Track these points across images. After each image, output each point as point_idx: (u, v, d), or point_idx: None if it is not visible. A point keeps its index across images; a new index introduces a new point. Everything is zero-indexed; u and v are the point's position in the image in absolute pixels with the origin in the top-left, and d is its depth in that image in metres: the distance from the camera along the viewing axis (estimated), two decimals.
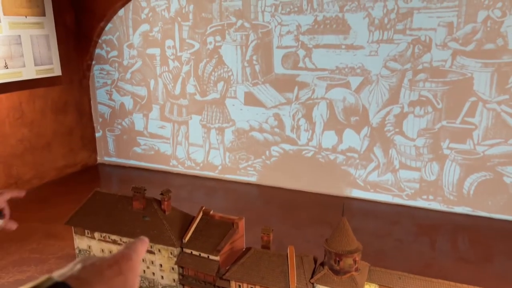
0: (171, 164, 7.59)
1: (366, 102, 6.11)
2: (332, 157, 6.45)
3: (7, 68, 6.01)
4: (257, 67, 6.61)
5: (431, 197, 6.05)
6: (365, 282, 2.72)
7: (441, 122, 5.78)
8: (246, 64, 6.69)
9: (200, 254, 3.08)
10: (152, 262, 3.25)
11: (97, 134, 8.04)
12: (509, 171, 5.62)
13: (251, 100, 6.75)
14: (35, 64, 6.45)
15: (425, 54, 5.76)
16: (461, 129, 5.73)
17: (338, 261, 2.63)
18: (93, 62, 7.70)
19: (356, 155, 6.31)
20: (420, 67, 5.79)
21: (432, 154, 5.88)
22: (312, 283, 2.72)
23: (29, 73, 6.38)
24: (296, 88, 6.42)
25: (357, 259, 2.66)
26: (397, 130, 6.01)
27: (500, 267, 4.73)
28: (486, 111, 5.60)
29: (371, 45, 5.98)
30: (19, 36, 6.21)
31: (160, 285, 3.23)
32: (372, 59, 6.00)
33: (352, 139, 6.28)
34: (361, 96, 6.11)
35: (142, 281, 3.36)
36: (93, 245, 3.46)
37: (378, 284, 2.75)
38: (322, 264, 2.80)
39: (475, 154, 5.74)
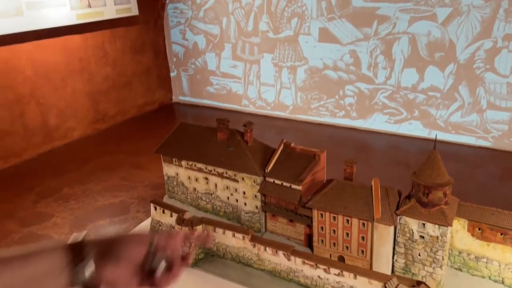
0: (242, 103, 7.68)
1: (453, 36, 5.62)
2: (411, 96, 6.13)
3: (90, 7, 6.25)
4: (333, 1, 6.28)
5: None
6: (455, 216, 2.65)
7: None
8: None
9: (282, 183, 3.16)
10: (236, 190, 3.40)
11: (171, 74, 8.28)
12: None
13: (325, 36, 6.49)
14: (115, 4, 6.65)
15: None
16: None
17: (427, 193, 2.56)
18: (167, 1, 7.77)
19: (438, 94, 5.93)
20: None
21: None
22: (397, 215, 2.70)
23: (110, 12, 6.60)
24: (376, 22, 6.04)
25: (447, 192, 2.57)
26: (487, 66, 5.51)
27: None
28: None
29: None
30: None
31: (243, 211, 3.40)
32: None
33: (435, 77, 5.88)
34: (449, 30, 5.62)
35: (226, 207, 3.55)
36: (180, 172, 3.69)
37: (468, 219, 2.66)
38: (408, 197, 2.75)
39: None
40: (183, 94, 8.35)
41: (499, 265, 2.69)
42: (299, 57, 6.87)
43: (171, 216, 3.24)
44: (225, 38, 7.45)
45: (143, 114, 7.82)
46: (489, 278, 2.74)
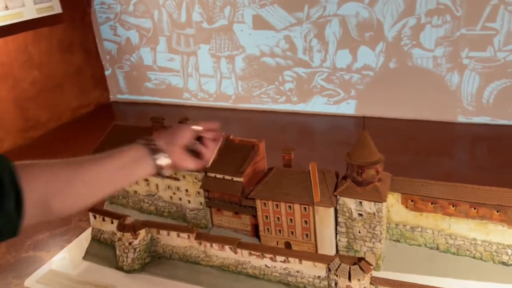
0: (184, 97, 7.55)
1: (380, 15, 5.82)
2: (347, 77, 6.30)
3: (7, 9, 5.82)
4: None
5: (449, 109, 5.95)
6: (388, 192, 2.76)
7: (460, 30, 5.51)
8: None
9: (224, 177, 3.14)
10: (178, 188, 3.33)
11: (106, 72, 7.95)
12: None
13: (259, 23, 6.49)
14: (35, 3, 6.23)
15: None
16: (482, 35, 5.47)
17: (361, 172, 2.65)
18: None
19: (372, 73, 6.15)
20: None
21: (450, 64, 5.68)
22: (336, 196, 2.77)
23: (30, 12, 6.19)
24: (306, 6, 6.11)
25: (379, 169, 2.67)
26: (414, 42, 5.77)
27: None
28: (508, 14, 5.29)
29: None
30: None
31: (188, 209, 3.34)
32: None
33: (367, 56, 6.08)
34: (375, 9, 5.80)
35: (170, 207, 3.48)
36: None
37: (401, 193, 2.79)
38: (344, 178, 2.83)
39: (495, 61, 5.53)
40: (120, 92, 8.06)
41: (433, 233, 2.85)
42: (235, 46, 6.83)
43: (112, 223, 3.13)
44: (158, 32, 7.24)
45: (79, 117, 7.48)
46: (425, 245, 2.90)
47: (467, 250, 2.84)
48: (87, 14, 7.50)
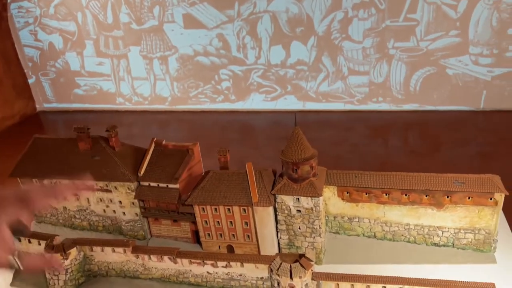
0: (117, 101, 7.23)
1: (309, 10, 5.90)
2: (282, 72, 6.35)
3: None
4: None
5: (380, 99, 6.20)
6: (324, 186, 2.79)
7: (385, 22, 5.74)
8: None
9: (158, 185, 3.02)
10: (111, 200, 3.16)
11: (30, 80, 7.42)
12: (452, 62, 5.79)
13: (191, 22, 6.35)
14: None
15: None
16: (405, 26, 5.72)
17: (296, 169, 2.65)
18: (8, 0, 6.85)
19: (305, 68, 6.24)
20: None
21: (379, 54, 5.90)
22: (274, 195, 2.75)
23: None
24: (237, 3, 6.06)
25: (313, 165, 2.69)
26: (343, 35, 5.93)
27: (447, 154, 5.05)
28: (427, 5, 5.58)
29: None
30: None
31: (123, 221, 3.18)
32: None
33: (300, 51, 6.15)
34: (304, 5, 5.88)
35: (104, 220, 3.29)
36: None
37: (337, 186, 2.83)
38: (281, 175, 2.82)
39: (419, 50, 5.82)
40: (47, 101, 7.56)
41: (369, 222, 2.92)
42: (168, 46, 6.64)
43: (39, 244, 2.90)
44: (84, 35, 6.86)
45: (3, 130, 6.92)
46: (363, 235, 2.97)
47: (402, 235, 2.95)
48: (3, 20, 6.93)
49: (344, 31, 5.91)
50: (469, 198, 2.63)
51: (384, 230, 2.91)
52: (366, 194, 2.81)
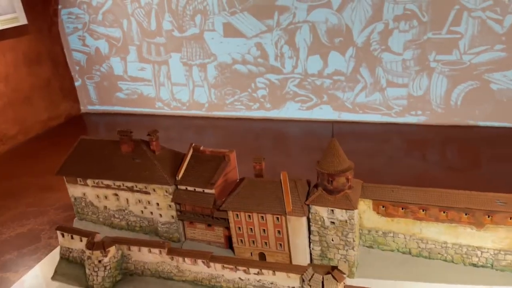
0: (156, 106, 7.45)
1: (349, 21, 5.89)
2: (318, 82, 6.35)
3: None
4: None
5: (419, 112, 6.07)
6: (359, 198, 2.78)
7: (426, 34, 5.64)
8: None
9: (195, 189, 3.10)
10: (149, 202, 3.27)
11: (76, 83, 7.77)
12: (496, 77, 5.60)
13: (230, 31, 6.47)
14: None
15: None
16: (447, 39, 5.60)
17: (331, 181, 2.66)
18: (60, 7, 7.23)
19: (342, 78, 6.21)
20: None
21: (419, 66, 5.79)
22: (308, 205, 2.77)
23: None
24: (276, 13, 6.13)
25: (349, 177, 2.69)
26: (383, 47, 5.86)
27: (488, 172, 4.87)
28: (472, 19, 5.45)
29: None
30: None
31: (160, 222, 3.28)
32: None
33: (338, 61, 6.13)
34: (344, 15, 5.87)
35: (141, 221, 3.40)
36: (87, 192, 3.46)
37: (372, 199, 2.81)
38: (316, 186, 2.83)
39: (461, 64, 5.67)
40: (91, 103, 7.89)
41: (405, 237, 2.88)
42: (207, 54, 6.79)
43: (81, 241, 3.04)
44: (128, 41, 7.13)
45: (49, 130, 7.27)
46: (398, 250, 2.93)
47: (439, 253, 2.89)
48: (54, 25, 7.32)
49: (384, 43, 5.85)
50: (511, 218, 2.55)
51: (420, 247, 2.85)
52: (402, 209, 2.78)
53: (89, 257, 2.93)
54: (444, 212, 2.71)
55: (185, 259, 2.82)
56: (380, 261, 2.90)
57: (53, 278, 3.25)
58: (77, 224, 3.61)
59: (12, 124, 6.60)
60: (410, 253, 2.91)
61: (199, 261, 2.78)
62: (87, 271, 3.00)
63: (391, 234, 2.89)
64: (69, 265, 3.24)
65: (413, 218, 2.79)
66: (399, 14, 5.69)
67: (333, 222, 2.74)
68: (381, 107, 6.21)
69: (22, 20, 6.47)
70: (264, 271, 2.62)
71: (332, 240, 2.79)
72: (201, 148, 3.35)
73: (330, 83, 6.30)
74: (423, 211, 2.76)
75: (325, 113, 6.46)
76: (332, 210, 2.70)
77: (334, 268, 2.48)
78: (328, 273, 2.44)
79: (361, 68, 6.08)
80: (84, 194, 3.51)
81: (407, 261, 2.89)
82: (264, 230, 2.95)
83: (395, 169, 5.09)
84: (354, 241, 2.74)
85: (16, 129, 6.67)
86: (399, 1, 5.65)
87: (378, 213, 2.84)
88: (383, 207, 2.82)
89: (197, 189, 3.14)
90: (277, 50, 6.36)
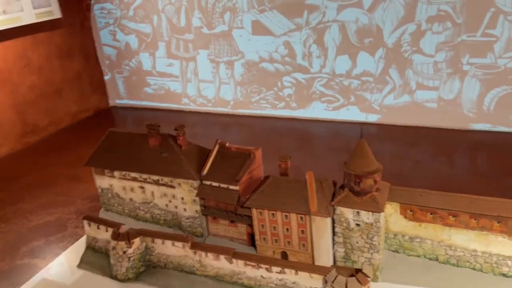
0: (183, 102, 7.52)
1: (380, 21, 5.78)
2: (346, 82, 6.26)
3: (5, 13, 5.80)
4: None
5: (449, 116, 5.91)
6: (386, 201, 2.72)
7: (460, 36, 5.48)
8: None
9: (219, 185, 3.10)
10: (174, 196, 3.30)
11: (105, 77, 7.93)
12: None
13: (259, 28, 6.46)
14: (34, 7, 6.22)
15: None
16: (482, 42, 5.43)
17: (358, 182, 2.61)
18: (92, 1, 7.39)
19: (371, 79, 6.11)
20: None
21: (451, 69, 5.63)
22: (333, 206, 2.73)
23: (29, 17, 6.17)
24: (306, 12, 6.08)
25: (377, 179, 2.63)
26: (414, 48, 5.73)
27: None
28: (508, 23, 5.26)
29: None
30: None
31: (184, 217, 3.31)
32: None
33: (367, 62, 6.04)
34: (375, 16, 5.77)
35: (165, 214, 3.44)
36: (114, 183, 3.52)
37: (399, 203, 2.75)
38: (342, 187, 2.79)
39: (496, 68, 5.49)
40: (120, 97, 8.03)
41: (432, 243, 2.81)
42: (235, 52, 6.80)
43: (107, 231, 3.09)
44: (158, 37, 7.22)
45: (78, 122, 7.44)
46: (424, 256, 2.86)
47: (467, 261, 2.80)
48: (87, 19, 7.49)
49: (415, 44, 5.72)
50: None
51: (447, 254, 2.77)
52: (431, 214, 2.70)
53: (113, 248, 2.98)
54: (475, 219, 2.62)
55: (208, 254, 2.83)
56: (405, 266, 2.84)
57: (79, 266, 3.32)
58: (103, 214, 3.68)
59: (43, 115, 6.79)
60: (437, 259, 2.84)
61: (222, 257, 2.78)
62: (111, 261, 3.05)
63: (418, 239, 2.82)
64: (94, 254, 3.30)
65: (442, 224, 2.71)
66: (433, 15, 5.55)
67: (358, 224, 2.70)
68: (409, 110, 6.07)
69: (57, 14, 6.64)
70: (286, 270, 2.60)
71: (357, 243, 2.74)
72: (227, 144, 3.36)
73: (358, 84, 6.21)
74: (452, 217, 2.68)
75: (352, 114, 6.38)
76: (358, 212, 2.66)
77: (359, 271, 2.44)
78: (352, 275, 2.41)
79: (390, 69, 5.97)
80: (111, 185, 3.57)
81: (434, 268, 2.81)
82: (287, 229, 2.93)
83: (422, 173, 4.97)
84: (379, 244, 2.69)
85: (47, 120, 6.86)
86: (433, 1, 5.51)
87: (405, 217, 2.77)
88: (410, 211, 2.76)
89: (222, 185, 3.15)
90: (305, 49, 6.31)
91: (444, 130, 5.95)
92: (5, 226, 4.41)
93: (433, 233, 2.78)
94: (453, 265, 2.78)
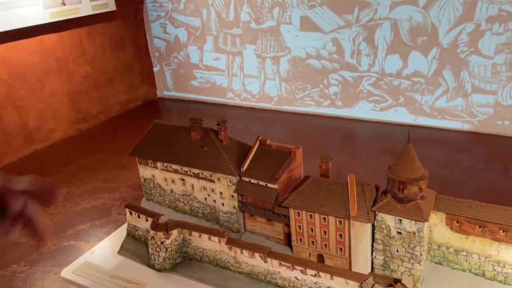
0: (227, 96, 7.58)
1: (435, 20, 5.52)
2: (395, 82, 6.04)
3: (64, 5, 6.09)
4: None
5: (506, 122, 5.55)
6: (431, 211, 2.58)
7: None
8: None
9: (258, 182, 3.08)
10: (213, 190, 3.31)
11: (155, 69, 8.14)
12: None
13: (307, 25, 6.37)
14: (90, 0, 6.48)
15: None
16: None
17: (402, 189, 2.49)
18: None
19: (422, 80, 5.85)
20: None
21: (511, 72, 5.28)
22: (374, 211, 2.63)
23: (86, 9, 6.44)
24: (357, 8, 5.92)
25: (423, 187, 2.50)
26: (471, 49, 5.43)
27: None
28: None
29: None
30: None
31: (221, 211, 3.32)
32: None
33: (419, 62, 5.79)
34: (430, 14, 5.51)
35: (204, 208, 3.47)
36: (156, 174, 3.60)
37: (446, 213, 2.60)
38: (385, 193, 2.68)
39: None
40: (167, 89, 8.23)
41: (479, 258, 2.64)
42: (281, 47, 6.75)
43: (147, 220, 3.16)
44: (206, 31, 7.30)
45: (127, 111, 7.71)
46: (470, 271, 2.69)
47: None
48: (140, 12, 7.71)
49: (473, 45, 5.41)
50: None
51: (495, 270, 2.60)
52: (479, 227, 2.54)
53: (152, 237, 3.04)
54: None
55: (243, 251, 2.82)
56: (448, 279, 2.69)
57: (119, 252, 3.42)
58: (144, 204, 3.77)
59: (95, 104, 7.08)
60: (483, 275, 2.66)
61: (257, 255, 2.76)
62: (149, 250, 3.11)
63: (464, 253, 2.66)
64: (134, 242, 3.39)
65: (491, 238, 2.54)
66: (493, 15, 5.22)
67: (400, 233, 2.58)
68: (463, 114, 5.77)
69: (112, 6, 6.88)
70: (321, 273, 2.54)
71: (397, 251, 2.63)
72: (268, 141, 3.32)
73: (408, 85, 5.97)
74: (503, 232, 2.50)
75: (400, 115, 6.15)
76: (400, 220, 2.54)
77: (397, 281, 2.33)
78: (390, 285, 2.31)
79: (444, 70, 5.69)
80: (153, 176, 3.64)
81: (479, 284, 2.64)
82: (325, 232, 2.86)
83: (472, 182, 4.72)
84: (421, 255, 2.56)
85: (98, 108, 7.15)
86: (494, 0, 5.18)
87: (451, 228, 2.62)
88: (457, 222, 2.60)
89: (261, 183, 3.11)
90: (354, 47, 6.14)
91: (499, 137, 5.60)
92: (55, 208, 4.65)
93: (480, 247, 2.60)
94: (500, 282, 2.60)
